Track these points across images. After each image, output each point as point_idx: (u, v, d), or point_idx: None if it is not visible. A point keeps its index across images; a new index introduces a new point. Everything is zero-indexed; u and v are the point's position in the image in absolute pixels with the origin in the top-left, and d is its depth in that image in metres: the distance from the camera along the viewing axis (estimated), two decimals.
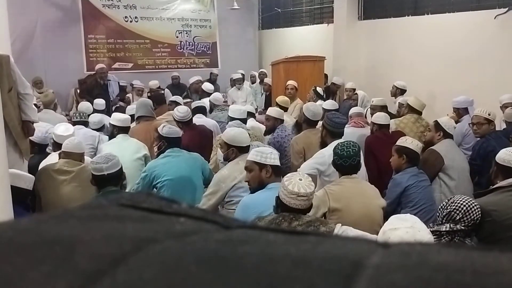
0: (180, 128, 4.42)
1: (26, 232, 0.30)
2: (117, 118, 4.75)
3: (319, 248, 0.28)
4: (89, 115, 5.73)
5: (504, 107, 5.34)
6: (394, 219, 1.93)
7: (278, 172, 3.04)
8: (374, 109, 5.72)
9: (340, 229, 2.40)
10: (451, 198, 2.95)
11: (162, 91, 8.45)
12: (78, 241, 0.28)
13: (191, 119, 5.06)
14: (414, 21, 7.63)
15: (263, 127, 5.21)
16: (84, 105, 6.18)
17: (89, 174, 3.61)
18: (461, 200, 2.84)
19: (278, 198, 2.47)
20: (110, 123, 4.80)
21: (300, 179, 2.43)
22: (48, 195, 3.54)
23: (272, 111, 5.11)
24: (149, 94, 8.58)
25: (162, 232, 0.30)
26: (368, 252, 0.27)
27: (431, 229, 2.02)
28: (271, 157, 3.01)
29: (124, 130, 4.67)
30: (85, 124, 5.47)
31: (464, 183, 4.15)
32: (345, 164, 3.21)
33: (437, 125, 4.45)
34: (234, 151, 3.55)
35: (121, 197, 0.35)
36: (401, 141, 3.82)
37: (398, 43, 7.90)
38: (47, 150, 4.70)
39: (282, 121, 5.00)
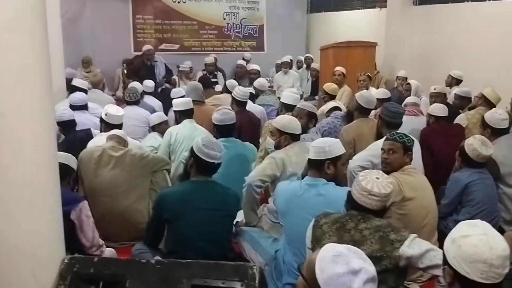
0: (236, 106, 4.41)
1: None
2: (178, 102, 4.55)
3: None
4: (140, 95, 5.69)
5: None
6: (463, 225, 1.74)
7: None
8: (437, 96, 5.41)
9: (413, 241, 2.13)
10: None
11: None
12: None
13: (247, 101, 5.05)
14: (474, 7, 7.18)
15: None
16: (135, 86, 6.15)
17: (133, 159, 3.55)
18: None
19: (349, 193, 2.30)
20: (173, 110, 4.64)
21: (378, 178, 2.23)
22: (92, 180, 3.49)
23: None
24: (203, 71, 8.53)
25: None
26: None
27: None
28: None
29: (188, 114, 4.47)
30: (137, 103, 5.45)
31: None
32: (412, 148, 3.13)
33: (482, 121, 4.05)
34: (287, 138, 3.41)
35: None
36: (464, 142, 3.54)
37: (455, 30, 7.47)
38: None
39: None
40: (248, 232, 3.21)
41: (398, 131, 3.28)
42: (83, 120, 4.69)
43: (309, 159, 2.79)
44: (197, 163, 2.80)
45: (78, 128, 4.46)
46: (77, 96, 5.07)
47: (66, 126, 4.35)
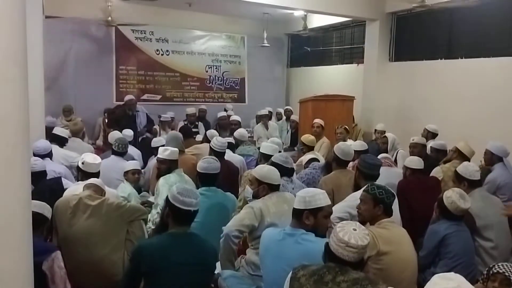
0: (214, 157, 4.38)
1: None
2: (165, 153, 4.46)
3: None
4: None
5: None
6: (437, 278, 1.74)
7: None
8: (415, 147, 5.53)
9: None
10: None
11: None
12: None
13: (224, 152, 5.09)
14: (447, 64, 7.49)
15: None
16: (115, 135, 6.12)
17: (110, 208, 3.47)
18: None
19: (327, 244, 2.27)
20: (157, 158, 4.57)
21: (355, 229, 2.21)
22: (67, 229, 3.39)
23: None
24: (185, 121, 8.63)
25: None
26: None
27: None
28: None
29: (174, 164, 4.47)
30: (123, 154, 5.40)
31: (502, 241, 3.81)
32: (387, 200, 3.10)
33: (457, 176, 4.13)
34: (265, 188, 3.41)
35: None
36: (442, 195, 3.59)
37: (429, 86, 7.75)
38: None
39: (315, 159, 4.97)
40: (231, 278, 3.13)
41: (375, 183, 3.32)
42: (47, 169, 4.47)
43: (293, 207, 2.78)
44: (173, 212, 2.72)
45: None
46: (39, 145, 4.86)
47: (37, 177, 4.21)
